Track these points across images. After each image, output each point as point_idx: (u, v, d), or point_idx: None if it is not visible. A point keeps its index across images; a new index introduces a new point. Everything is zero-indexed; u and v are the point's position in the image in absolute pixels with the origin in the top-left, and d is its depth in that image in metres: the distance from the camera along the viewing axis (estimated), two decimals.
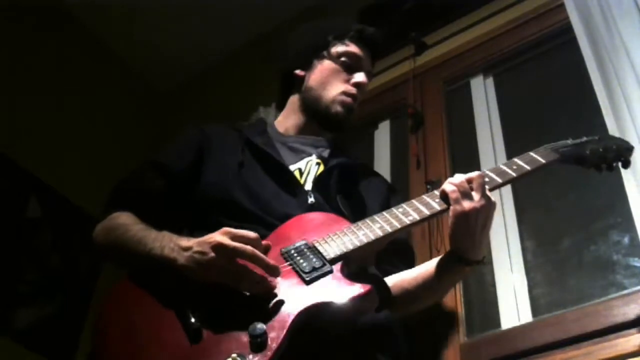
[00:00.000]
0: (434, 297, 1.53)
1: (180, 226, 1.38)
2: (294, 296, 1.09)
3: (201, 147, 1.50)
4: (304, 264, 1.15)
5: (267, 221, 1.30)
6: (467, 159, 2.26)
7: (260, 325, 1.02)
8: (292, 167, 1.47)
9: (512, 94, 2.39)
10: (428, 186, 2.16)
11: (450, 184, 1.26)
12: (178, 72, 3.79)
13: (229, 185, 1.38)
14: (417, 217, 1.25)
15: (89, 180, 3.11)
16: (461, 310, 1.86)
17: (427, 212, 1.26)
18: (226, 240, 1.10)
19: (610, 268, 1.74)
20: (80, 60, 3.51)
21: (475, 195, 1.25)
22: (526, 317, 1.79)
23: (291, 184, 1.41)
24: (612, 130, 1.75)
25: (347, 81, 1.58)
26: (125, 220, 1.33)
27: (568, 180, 1.94)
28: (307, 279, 1.12)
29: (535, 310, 1.79)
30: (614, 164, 1.38)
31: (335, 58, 1.60)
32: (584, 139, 1.40)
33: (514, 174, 1.32)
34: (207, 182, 1.42)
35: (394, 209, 1.28)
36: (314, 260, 1.15)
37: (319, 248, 1.19)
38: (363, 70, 1.61)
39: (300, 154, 1.53)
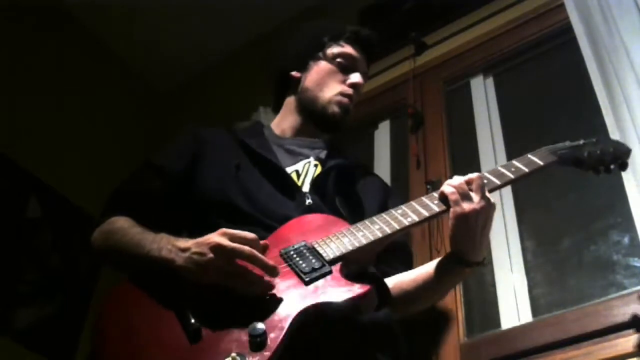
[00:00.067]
0: (433, 298, 1.53)
1: (179, 229, 1.38)
2: (293, 296, 1.09)
3: (197, 148, 1.50)
4: (303, 265, 1.15)
5: (265, 223, 1.30)
6: (467, 159, 2.26)
7: (260, 325, 1.02)
8: (289, 170, 1.47)
9: (512, 94, 2.39)
10: (428, 186, 2.16)
11: (449, 186, 1.27)
12: (178, 72, 3.79)
13: (226, 188, 1.38)
14: (416, 219, 1.25)
15: (89, 180, 3.11)
16: (461, 311, 1.86)
17: (425, 213, 1.26)
18: (225, 241, 1.10)
19: (610, 268, 1.74)
20: (80, 60, 3.51)
21: (475, 197, 1.25)
22: (526, 317, 1.79)
23: (288, 186, 1.41)
24: (612, 130, 1.75)
25: (343, 82, 1.58)
26: (123, 224, 1.33)
27: (568, 180, 1.94)
28: (307, 279, 1.12)
29: (535, 310, 1.80)
30: (612, 167, 1.38)
31: (331, 59, 1.60)
32: (582, 141, 1.40)
33: (512, 176, 1.32)
34: (205, 185, 1.42)
35: (392, 211, 1.28)
36: (313, 261, 1.16)
37: (318, 249, 1.19)
38: (359, 71, 1.61)
39: (297, 157, 1.53)
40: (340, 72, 1.59)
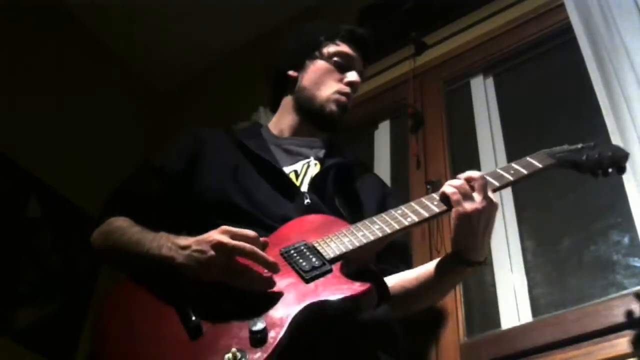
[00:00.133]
0: (434, 298, 1.54)
1: (179, 229, 1.38)
2: (294, 294, 1.09)
3: (197, 148, 1.50)
4: (304, 264, 1.15)
5: (265, 223, 1.30)
6: (467, 159, 2.26)
7: (261, 321, 1.02)
8: (287, 170, 1.47)
9: (512, 94, 2.39)
10: (428, 186, 2.16)
11: (451, 186, 1.27)
12: (178, 72, 3.79)
13: (226, 189, 1.38)
14: (416, 219, 1.25)
15: (89, 180, 3.11)
16: (461, 310, 1.86)
17: (425, 214, 1.26)
18: (225, 239, 1.10)
19: (610, 268, 1.75)
20: (80, 60, 3.51)
21: (477, 197, 1.25)
22: (526, 317, 1.79)
23: (287, 186, 1.41)
24: (612, 130, 1.75)
25: (341, 80, 1.58)
26: (122, 224, 1.33)
27: (568, 180, 1.93)
28: (307, 277, 1.12)
29: (535, 310, 1.80)
30: (610, 170, 1.38)
31: (328, 58, 1.61)
32: (580, 145, 1.41)
33: (511, 178, 1.33)
34: (204, 185, 1.42)
35: (392, 211, 1.28)
36: (314, 259, 1.16)
37: (319, 248, 1.19)
38: (355, 69, 1.61)
39: (295, 157, 1.53)
40: (337, 71, 1.60)
